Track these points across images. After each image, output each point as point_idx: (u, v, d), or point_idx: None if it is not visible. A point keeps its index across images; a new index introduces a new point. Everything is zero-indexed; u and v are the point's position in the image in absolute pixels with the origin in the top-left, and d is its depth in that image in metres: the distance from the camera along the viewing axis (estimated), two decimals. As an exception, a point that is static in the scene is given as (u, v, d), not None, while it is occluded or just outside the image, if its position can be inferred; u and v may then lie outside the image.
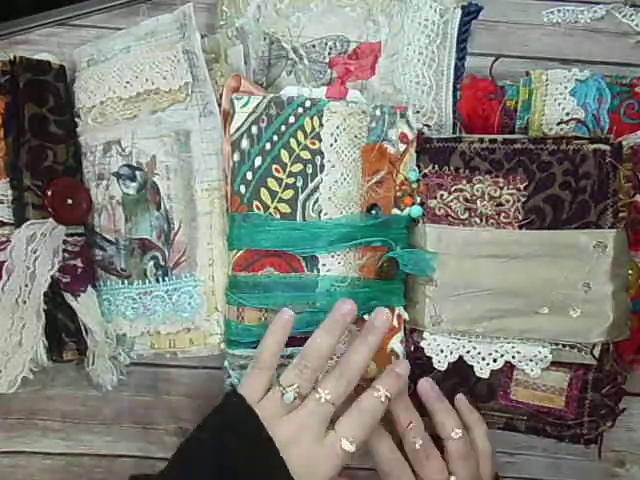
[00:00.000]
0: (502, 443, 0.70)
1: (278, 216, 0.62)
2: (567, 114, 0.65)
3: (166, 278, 0.65)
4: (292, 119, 0.62)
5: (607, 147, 0.60)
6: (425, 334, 0.63)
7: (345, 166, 0.62)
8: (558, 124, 0.65)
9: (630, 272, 0.62)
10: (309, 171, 0.62)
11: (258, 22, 0.67)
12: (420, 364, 0.64)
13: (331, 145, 0.62)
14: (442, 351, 0.63)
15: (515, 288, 0.61)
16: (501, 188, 0.62)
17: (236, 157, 0.62)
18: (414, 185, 0.64)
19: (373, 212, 0.63)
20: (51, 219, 0.63)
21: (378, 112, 0.63)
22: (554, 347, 0.61)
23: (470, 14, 0.68)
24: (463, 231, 0.62)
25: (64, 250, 0.63)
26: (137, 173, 0.65)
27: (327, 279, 0.62)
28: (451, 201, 0.63)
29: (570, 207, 0.60)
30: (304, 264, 0.62)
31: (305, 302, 0.62)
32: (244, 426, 0.54)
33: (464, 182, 0.63)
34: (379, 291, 0.63)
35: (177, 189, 0.64)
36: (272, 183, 0.62)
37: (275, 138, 0.62)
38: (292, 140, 0.62)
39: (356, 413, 0.56)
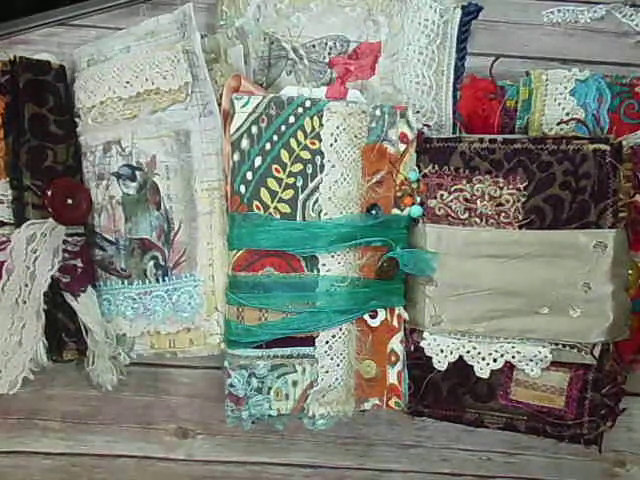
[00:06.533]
0: (502, 443, 0.70)
1: (278, 216, 0.62)
2: (567, 114, 0.65)
3: (166, 278, 0.65)
4: (292, 119, 0.62)
5: (607, 147, 0.60)
6: (425, 334, 0.63)
7: (345, 166, 0.62)
8: (558, 124, 0.65)
9: (630, 272, 0.62)
10: (309, 171, 0.62)
11: (258, 22, 0.67)
12: (420, 364, 0.64)
13: (331, 145, 0.62)
14: (442, 351, 0.63)
15: (515, 288, 0.61)
16: (501, 188, 0.62)
17: (236, 157, 0.61)
18: (414, 185, 0.63)
19: (373, 212, 0.63)
20: (51, 219, 0.63)
21: (378, 112, 0.63)
22: (554, 347, 0.61)
23: (470, 14, 0.68)
24: (463, 231, 0.62)
25: (64, 250, 0.63)
26: (137, 173, 0.65)
27: (327, 279, 0.62)
28: (451, 201, 0.63)
29: (570, 207, 0.60)
30: (304, 264, 0.62)
31: (305, 302, 0.62)
32: None
33: (464, 182, 0.63)
34: (379, 291, 0.63)
35: (177, 189, 0.64)
36: (272, 183, 0.62)
37: (275, 138, 0.62)
38: (292, 140, 0.62)
39: None
